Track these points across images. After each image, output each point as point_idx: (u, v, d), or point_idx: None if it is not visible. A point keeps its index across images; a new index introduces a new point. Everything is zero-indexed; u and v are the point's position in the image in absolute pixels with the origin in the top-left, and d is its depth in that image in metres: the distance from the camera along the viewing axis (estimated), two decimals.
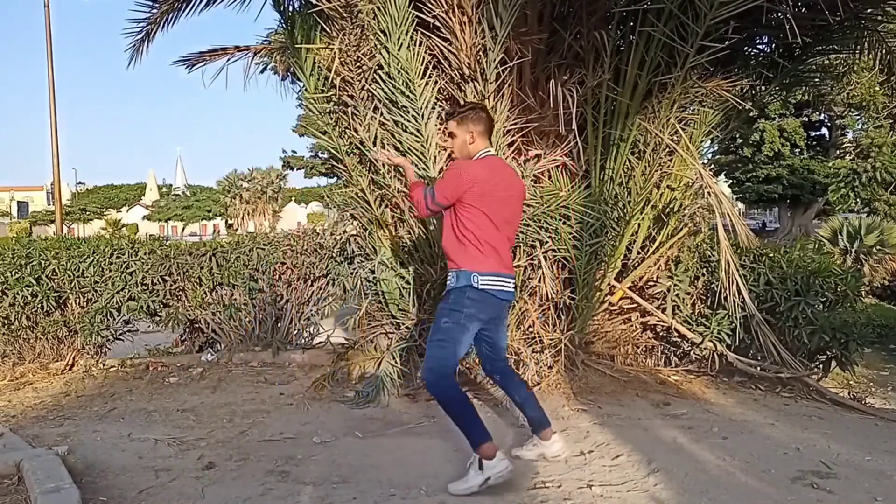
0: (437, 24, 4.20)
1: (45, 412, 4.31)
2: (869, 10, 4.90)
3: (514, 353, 4.53)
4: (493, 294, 2.98)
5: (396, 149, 4.43)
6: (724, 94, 4.50)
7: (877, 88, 19.82)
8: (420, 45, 4.24)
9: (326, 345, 5.81)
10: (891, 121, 21.79)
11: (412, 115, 4.28)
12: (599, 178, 4.61)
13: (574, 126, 4.23)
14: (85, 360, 5.50)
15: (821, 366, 4.89)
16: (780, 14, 4.31)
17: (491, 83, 4.22)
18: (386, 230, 4.72)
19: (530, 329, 4.58)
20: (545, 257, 4.44)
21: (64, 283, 5.40)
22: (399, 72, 4.22)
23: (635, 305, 4.95)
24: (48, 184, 55.61)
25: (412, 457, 3.36)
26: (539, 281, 4.50)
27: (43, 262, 5.36)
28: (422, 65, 4.25)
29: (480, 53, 4.16)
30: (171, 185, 72.28)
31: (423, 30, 4.25)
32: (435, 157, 4.36)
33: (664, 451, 3.32)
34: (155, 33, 6.42)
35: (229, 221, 51.49)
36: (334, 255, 5.74)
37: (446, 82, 4.43)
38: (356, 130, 4.60)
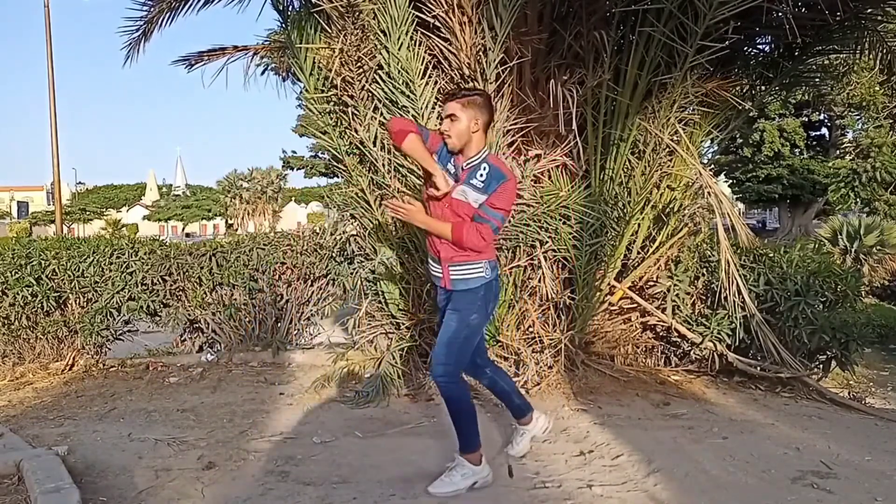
0: (437, 24, 4.20)
1: (45, 412, 4.31)
2: (869, 10, 4.90)
3: (515, 353, 4.53)
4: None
5: (397, 148, 4.43)
6: (724, 94, 4.49)
7: (877, 88, 19.82)
8: (420, 45, 4.24)
9: (326, 345, 5.81)
10: (891, 121, 21.79)
11: (412, 116, 4.28)
12: (599, 178, 4.61)
13: (574, 126, 4.23)
14: (85, 360, 5.50)
15: (821, 366, 4.89)
16: (780, 14, 4.31)
17: (491, 83, 4.22)
18: (386, 230, 4.72)
19: (530, 329, 4.58)
20: (545, 257, 4.44)
21: (64, 283, 5.40)
22: (399, 72, 4.22)
23: (635, 305, 4.95)
24: (48, 184, 55.62)
25: (412, 457, 3.36)
26: (539, 281, 4.50)
27: (43, 262, 5.36)
28: (422, 65, 4.25)
29: (480, 53, 4.16)
30: (171, 185, 72.26)
31: (423, 30, 4.25)
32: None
33: (664, 451, 3.32)
34: (152, 32, 6.41)
35: (229, 221, 51.49)
36: (334, 255, 5.74)
37: (446, 82, 4.42)
38: (356, 130, 4.60)
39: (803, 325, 4.59)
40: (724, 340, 4.65)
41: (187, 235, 57.42)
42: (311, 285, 5.88)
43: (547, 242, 4.40)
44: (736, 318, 4.55)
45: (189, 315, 5.67)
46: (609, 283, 4.81)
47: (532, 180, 4.47)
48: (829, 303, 4.78)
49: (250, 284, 5.69)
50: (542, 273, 4.47)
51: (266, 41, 7.73)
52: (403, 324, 4.69)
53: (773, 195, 29.78)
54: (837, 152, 27.78)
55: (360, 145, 4.65)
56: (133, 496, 2.89)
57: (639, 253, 4.96)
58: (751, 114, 7.10)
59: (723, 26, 4.05)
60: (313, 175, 49.64)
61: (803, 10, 4.71)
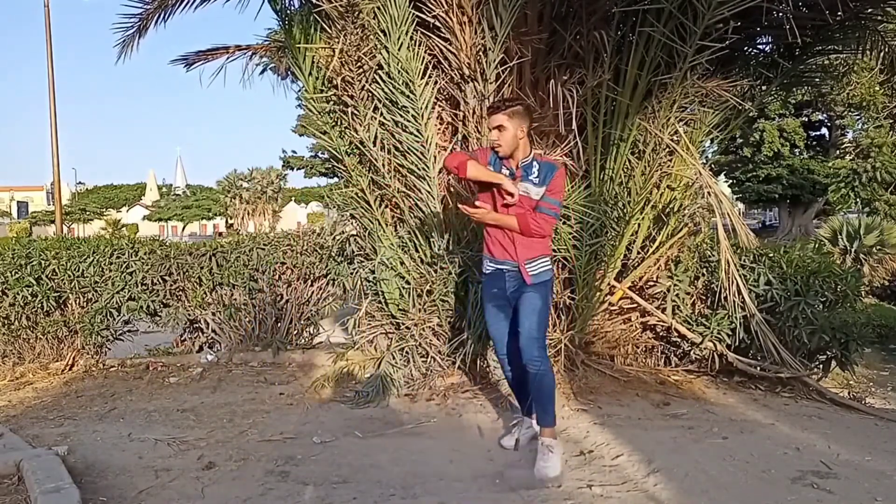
0: (437, 23, 4.20)
1: (45, 412, 4.31)
2: (869, 10, 4.90)
3: None
4: None
5: (396, 149, 4.44)
6: (724, 94, 4.49)
7: (877, 88, 19.81)
8: (420, 44, 4.24)
9: (326, 345, 5.81)
10: (891, 121, 21.79)
11: (412, 116, 4.28)
12: (599, 178, 4.61)
13: (574, 126, 4.23)
14: (85, 360, 5.50)
15: (821, 366, 4.89)
16: (779, 14, 4.31)
17: (491, 83, 4.22)
18: (386, 230, 4.72)
19: None
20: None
21: (64, 283, 5.40)
22: (399, 72, 4.21)
23: (635, 305, 4.95)
24: (48, 184, 55.60)
25: (412, 457, 3.36)
26: None
27: (43, 262, 5.36)
28: (422, 65, 4.25)
29: (480, 53, 4.16)
30: (171, 185, 72.29)
31: (423, 30, 4.25)
32: (435, 157, 4.36)
33: (664, 451, 3.32)
34: (147, 29, 6.39)
35: (229, 221, 51.49)
36: (334, 255, 5.74)
37: (446, 82, 4.42)
38: (356, 130, 4.60)
39: (803, 325, 4.59)
40: (724, 340, 4.64)
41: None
42: (311, 285, 5.88)
43: None
44: (736, 318, 4.55)
45: (189, 315, 5.67)
46: (609, 283, 4.81)
47: None
48: (829, 303, 4.78)
49: (250, 284, 5.69)
50: None
51: (266, 40, 7.74)
52: (403, 324, 4.69)
53: (773, 195, 29.79)
54: (837, 152, 27.79)
55: (360, 145, 4.64)
56: (133, 496, 2.89)
57: (639, 253, 4.96)
58: (751, 114, 7.09)
59: (722, 26, 4.05)
60: (313, 175, 49.66)
61: (803, 9, 4.71)
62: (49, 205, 60.61)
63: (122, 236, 6.79)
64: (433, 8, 4.12)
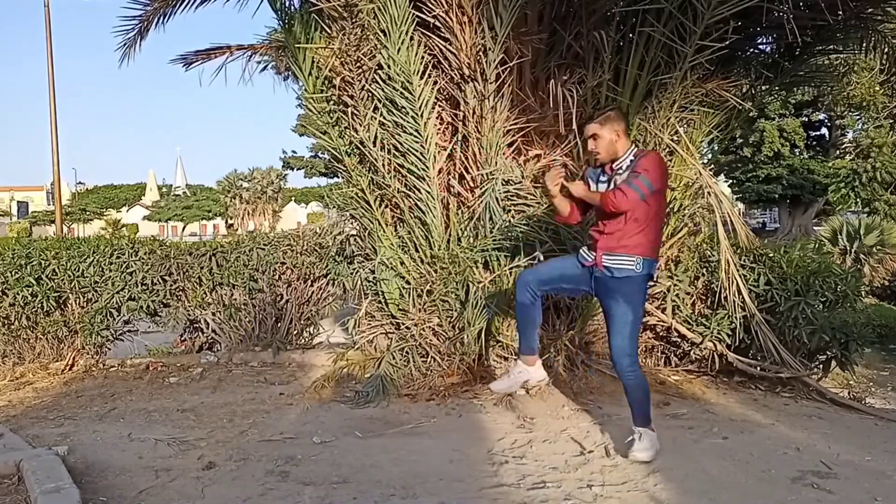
0: (437, 23, 4.20)
1: (45, 412, 4.31)
2: (870, 10, 4.90)
3: (514, 352, 4.52)
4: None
5: (396, 149, 4.44)
6: (725, 94, 4.49)
7: (877, 88, 19.79)
8: (420, 44, 4.24)
9: (326, 345, 5.81)
10: (891, 121, 21.76)
11: (412, 116, 4.28)
12: None
13: (574, 126, 4.22)
14: (85, 360, 5.50)
15: (821, 366, 4.88)
16: (780, 14, 4.31)
17: (491, 83, 4.22)
18: (386, 230, 4.72)
19: None
20: (545, 257, 4.44)
21: (64, 283, 5.39)
22: (399, 72, 4.21)
23: None
24: (48, 184, 55.56)
25: (412, 457, 3.36)
26: None
27: (43, 262, 5.36)
28: (421, 65, 4.25)
29: (480, 53, 4.16)
30: (171, 186, 72.20)
31: (423, 30, 4.25)
32: (434, 156, 4.36)
33: (664, 451, 3.32)
34: (148, 31, 6.39)
35: (229, 221, 51.50)
36: (334, 255, 5.74)
37: (446, 82, 4.42)
38: (356, 130, 4.60)
39: (803, 325, 4.59)
40: (724, 340, 4.64)
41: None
42: (311, 285, 5.88)
43: (547, 243, 4.40)
44: (736, 318, 4.55)
45: (189, 315, 5.67)
46: None
47: (532, 180, 4.47)
48: (829, 303, 4.77)
49: (250, 284, 5.69)
50: None
51: (266, 40, 7.73)
52: (403, 324, 4.69)
53: (773, 195, 29.77)
54: (837, 152, 27.78)
55: (360, 145, 4.65)
56: (133, 496, 2.89)
57: None
58: (751, 114, 7.09)
59: (722, 26, 4.05)
60: (313, 175, 49.70)
61: (804, 9, 4.71)
62: (49, 205, 60.59)
63: (122, 236, 6.78)
64: (433, 8, 4.12)
